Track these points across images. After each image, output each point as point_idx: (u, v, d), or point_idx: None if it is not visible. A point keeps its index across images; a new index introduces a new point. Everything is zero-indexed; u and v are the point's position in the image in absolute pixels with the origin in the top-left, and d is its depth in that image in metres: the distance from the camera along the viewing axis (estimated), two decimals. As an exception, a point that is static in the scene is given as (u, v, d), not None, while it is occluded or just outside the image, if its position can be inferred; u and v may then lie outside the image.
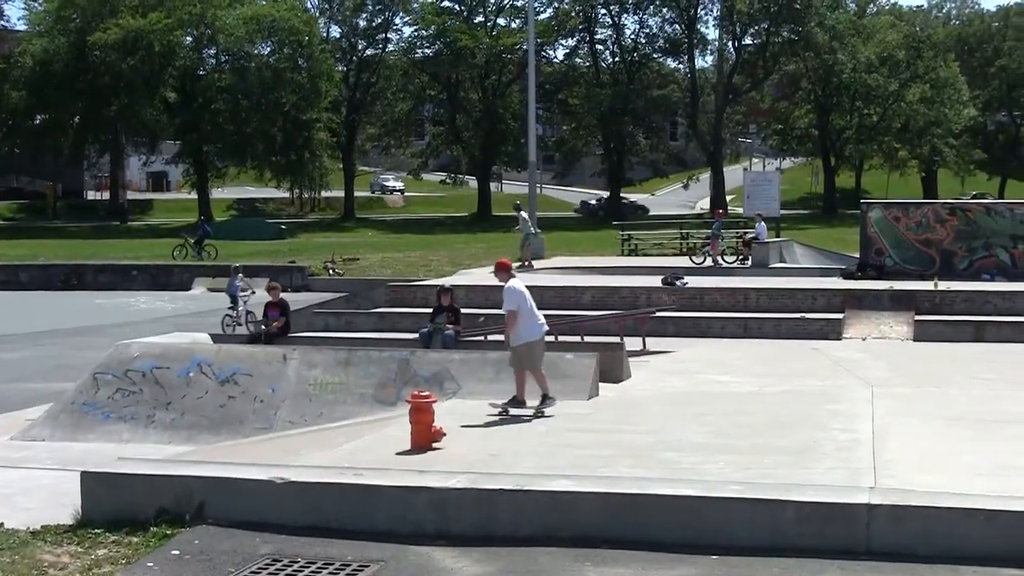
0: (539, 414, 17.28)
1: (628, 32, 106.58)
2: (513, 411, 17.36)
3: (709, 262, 43.01)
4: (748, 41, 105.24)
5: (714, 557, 10.10)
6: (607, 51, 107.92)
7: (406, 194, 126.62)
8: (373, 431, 16.56)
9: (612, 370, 20.62)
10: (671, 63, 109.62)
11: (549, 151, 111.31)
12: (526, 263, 41.48)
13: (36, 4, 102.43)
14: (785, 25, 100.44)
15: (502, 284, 17.81)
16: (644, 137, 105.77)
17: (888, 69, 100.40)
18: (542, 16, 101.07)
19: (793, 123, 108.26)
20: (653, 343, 25.76)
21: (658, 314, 28.12)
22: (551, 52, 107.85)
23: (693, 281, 32.87)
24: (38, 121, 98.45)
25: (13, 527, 11.02)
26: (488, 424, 16.63)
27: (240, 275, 37.56)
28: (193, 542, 10.32)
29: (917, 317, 28.40)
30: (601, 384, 19.51)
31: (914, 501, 11.01)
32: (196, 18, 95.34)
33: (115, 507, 11.14)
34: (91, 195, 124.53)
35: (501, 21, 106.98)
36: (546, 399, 17.47)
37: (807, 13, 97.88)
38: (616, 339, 24.34)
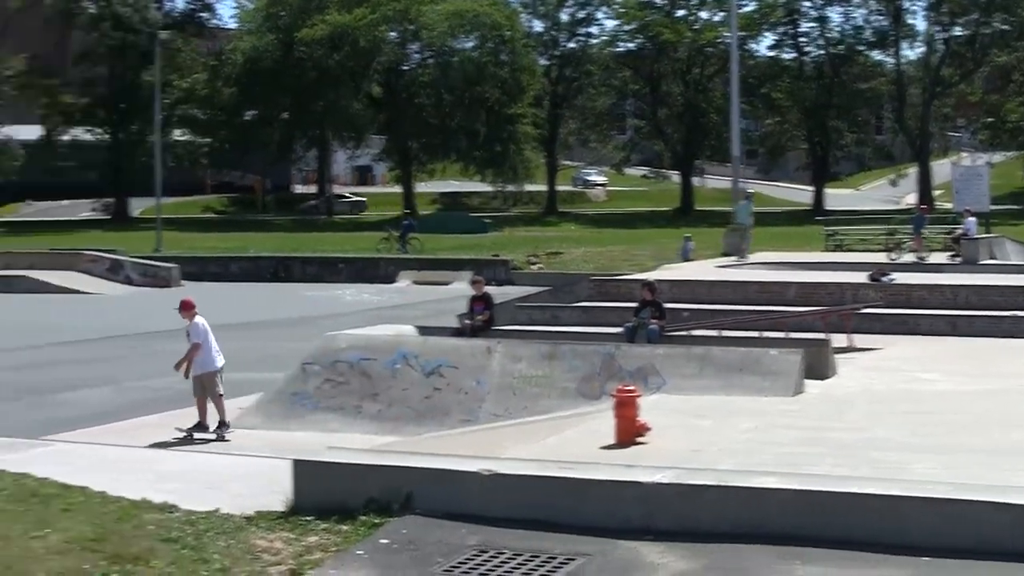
0: (220, 438, 19.09)
1: (833, 24, 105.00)
2: (197, 435, 19.13)
3: (912, 258, 42.15)
4: (957, 32, 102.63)
5: (924, 559, 9.93)
6: (811, 44, 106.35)
7: (608, 188, 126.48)
8: (577, 425, 16.60)
9: (817, 367, 20.35)
10: (876, 55, 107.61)
11: (752, 146, 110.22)
12: (740, 255, 41.53)
13: (246, 2, 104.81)
14: (997, 15, 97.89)
15: (188, 320, 19.86)
16: (849, 131, 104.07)
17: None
18: (745, 9, 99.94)
19: (1004, 116, 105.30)
20: (859, 340, 25.36)
21: (864, 311, 27.67)
22: (754, 45, 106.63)
23: (900, 278, 32.27)
24: (248, 117, 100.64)
25: (228, 512, 11.28)
26: (692, 419, 16.56)
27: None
28: (401, 531, 10.45)
29: None
30: (806, 381, 19.27)
31: None
32: (400, 14, 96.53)
33: (325, 495, 11.34)
34: (298, 189, 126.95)
35: (703, 15, 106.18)
36: (223, 425, 19.46)
37: (1020, 2, 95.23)
38: (821, 335, 24.03)
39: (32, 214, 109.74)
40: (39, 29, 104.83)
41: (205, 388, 19.57)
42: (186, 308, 19.91)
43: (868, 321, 27.17)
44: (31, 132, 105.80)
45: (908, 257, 42.20)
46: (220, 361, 19.89)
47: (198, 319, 19.86)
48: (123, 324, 37.71)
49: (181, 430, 19.24)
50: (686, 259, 46.38)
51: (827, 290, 30.70)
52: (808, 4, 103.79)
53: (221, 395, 19.66)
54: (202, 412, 19.55)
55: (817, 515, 10.37)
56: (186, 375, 19.68)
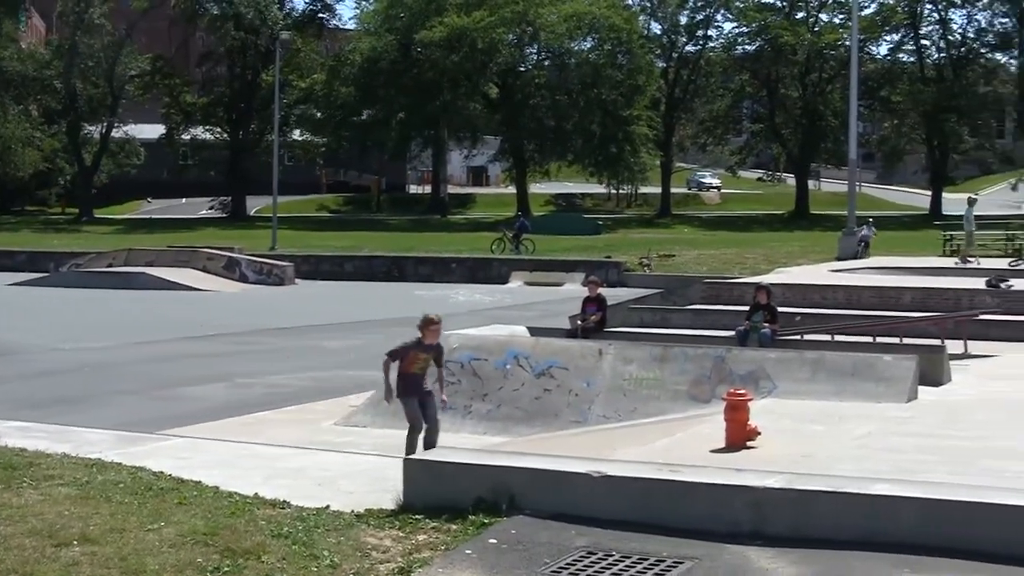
0: None
1: (955, 27, 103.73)
2: None
3: None
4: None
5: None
6: (932, 46, 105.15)
7: (722, 191, 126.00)
8: (687, 428, 16.54)
9: (932, 373, 20.06)
10: (999, 57, 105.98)
11: (870, 149, 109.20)
12: (965, 259, 41.55)
13: (367, 3, 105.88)
14: None
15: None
16: (969, 135, 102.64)
17: None
18: (866, 11, 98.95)
19: None
20: (975, 347, 24.98)
21: (981, 317, 27.26)
22: (874, 48, 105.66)
23: (1019, 284, 31.80)
24: (365, 117, 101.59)
25: (338, 509, 11.38)
26: (803, 424, 16.43)
27: None
28: (510, 532, 10.47)
29: None
30: (920, 388, 19.01)
31: None
32: (519, 16, 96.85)
33: (435, 494, 11.38)
34: (413, 189, 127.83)
35: (824, 17, 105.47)
36: None
37: None
38: (936, 341, 23.70)
39: (151, 212, 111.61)
40: (163, 30, 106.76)
41: None
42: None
43: (985, 328, 26.73)
44: (153, 131, 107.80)
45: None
46: None
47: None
48: (237, 321, 38.16)
49: None
50: (861, 247, 47.09)
51: (943, 296, 30.29)
52: (930, 6, 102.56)
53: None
54: None
55: (934, 524, 10.22)
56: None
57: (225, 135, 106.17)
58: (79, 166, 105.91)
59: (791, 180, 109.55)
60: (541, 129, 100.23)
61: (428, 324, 16.18)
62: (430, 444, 15.75)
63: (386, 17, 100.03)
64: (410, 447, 15.56)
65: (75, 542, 9.85)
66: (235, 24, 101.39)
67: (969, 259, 41.84)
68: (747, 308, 25.36)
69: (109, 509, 11.05)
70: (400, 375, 16.06)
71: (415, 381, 16.15)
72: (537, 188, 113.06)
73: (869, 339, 25.00)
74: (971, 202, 45.70)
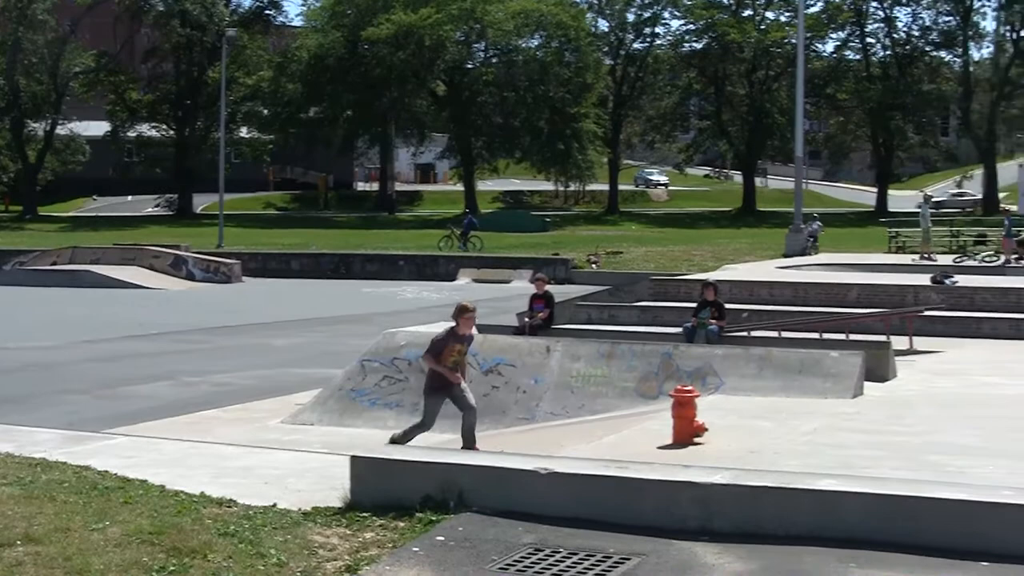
0: None
1: (900, 25, 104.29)
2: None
3: (1000, 260, 41.94)
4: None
5: (984, 564, 9.81)
6: (878, 44, 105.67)
7: (670, 188, 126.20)
8: (634, 424, 16.57)
9: (878, 369, 20.22)
10: (944, 56, 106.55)
11: (816, 146, 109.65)
12: (925, 255, 42.74)
13: (313, 0, 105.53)
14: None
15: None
16: (914, 132, 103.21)
17: None
18: (812, 9, 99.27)
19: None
20: (920, 343, 25.18)
21: (926, 313, 27.46)
22: (820, 46, 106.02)
23: (963, 280, 32.04)
24: (312, 114, 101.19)
25: (285, 507, 11.33)
26: (750, 420, 16.48)
27: None
28: (457, 529, 10.45)
29: None
30: (866, 383, 19.14)
31: None
32: (466, 13, 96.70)
33: (382, 492, 11.34)
34: (360, 186, 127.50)
35: (770, 15, 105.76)
36: None
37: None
38: (882, 337, 23.85)
39: (97, 209, 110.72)
40: (108, 26, 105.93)
41: None
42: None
43: (930, 324, 26.98)
44: (98, 128, 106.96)
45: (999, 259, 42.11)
46: None
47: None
48: (184, 319, 37.98)
49: None
50: (811, 242, 47.63)
51: (889, 292, 30.54)
52: (875, 4, 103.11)
53: None
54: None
55: (882, 518, 10.27)
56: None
57: (171, 132, 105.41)
58: (23, 163, 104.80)
59: (738, 177, 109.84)
60: (489, 126, 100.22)
61: (463, 312, 15.55)
62: (469, 428, 15.64)
63: (333, 14, 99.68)
64: (404, 437, 15.50)
65: (19, 542, 9.76)
66: (181, 20, 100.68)
67: (927, 256, 42.34)
68: (694, 305, 25.41)
69: (53, 508, 10.95)
70: (431, 370, 15.65)
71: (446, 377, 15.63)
72: (485, 185, 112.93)
73: (816, 335, 25.13)
74: (927, 200, 46.23)
